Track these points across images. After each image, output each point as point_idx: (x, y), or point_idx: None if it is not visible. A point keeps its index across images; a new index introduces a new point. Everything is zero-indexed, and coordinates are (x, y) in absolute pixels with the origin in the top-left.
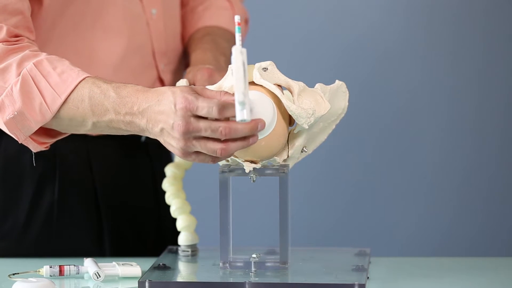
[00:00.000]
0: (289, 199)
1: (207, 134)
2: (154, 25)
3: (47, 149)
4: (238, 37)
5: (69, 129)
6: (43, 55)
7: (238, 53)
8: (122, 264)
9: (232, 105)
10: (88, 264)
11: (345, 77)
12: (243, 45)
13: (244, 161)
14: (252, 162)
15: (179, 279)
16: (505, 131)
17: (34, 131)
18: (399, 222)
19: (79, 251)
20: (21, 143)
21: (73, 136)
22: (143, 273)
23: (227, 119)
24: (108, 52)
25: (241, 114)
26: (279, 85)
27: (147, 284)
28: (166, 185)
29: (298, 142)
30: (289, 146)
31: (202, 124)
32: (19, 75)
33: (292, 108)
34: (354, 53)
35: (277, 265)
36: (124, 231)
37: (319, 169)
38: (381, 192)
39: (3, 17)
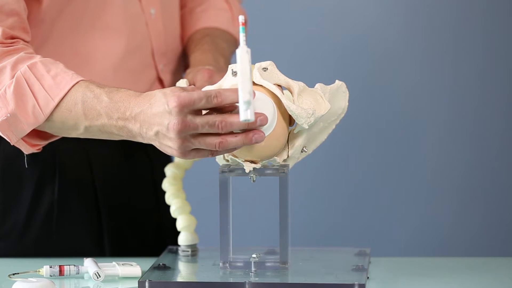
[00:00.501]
0: (289, 199)
1: (205, 129)
2: (153, 25)
3: (39, 151)
4: (242, 37)
5: (61, 132)
6: (37, 58)
7: (244, 53)
8: (122, 264)
9: (229, 90)
10: (88, 264)
11: (345, 77)
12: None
13: (244, 161)
14: (252, 162)
15: (179, 279)
16: (505, 131)
17: (26, 133)
18: (399, 222)
19: (79, 251)
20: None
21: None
22: (143, 273)
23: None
24: (107, 52)
25: (245, 114)
26: (279, 85)
27: (147, 284)
28: (166, 185)
29: (298, 142)
30: (289, 146)
31: (199, 120)
32: (13, 77)
33: (292, 108)
34: (354, 53)
35: (277, 265)
36: (124, 231)
37: (319, 169)
38: (381, 192)
39: None
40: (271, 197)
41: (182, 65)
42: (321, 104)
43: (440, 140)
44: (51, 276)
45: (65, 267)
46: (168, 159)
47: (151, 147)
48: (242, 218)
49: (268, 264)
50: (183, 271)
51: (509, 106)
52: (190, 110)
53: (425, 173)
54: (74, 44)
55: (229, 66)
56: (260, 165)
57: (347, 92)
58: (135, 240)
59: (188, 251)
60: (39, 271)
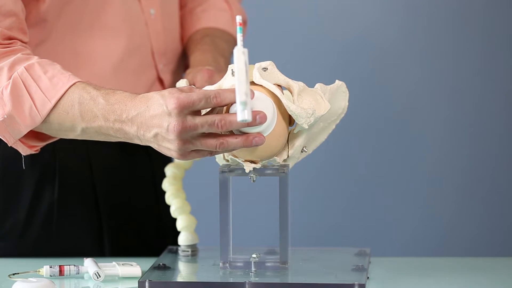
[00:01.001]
0: (289, 199)
1: (204, 129)
2: (152, 25)
3: (37, 152)
4: (239, 37)
5: (58, 134)
6: (34, 59)
7: (240, 53)
8: (122, 264)
9: (228, 91)
10: (88, 264)
11: (345, 77)
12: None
13: (244, 161)
14: (252, 162)
15: (179, 279)
16: (504, 131)
17: (23, 134)
18: (399, 222)
19: (79, 251)
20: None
21: None
22: (143, 273)
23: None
24: (107, 52)
25: (242, 114)
26: (279, 85)
27: (147, 284)
28: (166, 185)
29: (298, 142)
30: (289, 146)
31: (198, 120)
32: (10, 78)
33: (292, 108)
34: (354, 53)
35: (277, 265)
36: (124, 231)
37: (319, 169)
38: (381, 192)
39: None
40: (271, 197)
41: (182, 65)
42: (321, 104)
43: (440, 140)
44: (51, 276)
45: (65, 267)
46: (168, 159)
47: (151, 147)
48: (242, 218)
49: (268, 264)
50: (183, 271)
51: (508, 106)
52: (190, 111)
53: (425, 173)
54: (74, 44)
55: (229, 66)
56: (260, 165)
57: (347, 92)
58: (135, 240)
59: (188, 251)
60: (39, 271)
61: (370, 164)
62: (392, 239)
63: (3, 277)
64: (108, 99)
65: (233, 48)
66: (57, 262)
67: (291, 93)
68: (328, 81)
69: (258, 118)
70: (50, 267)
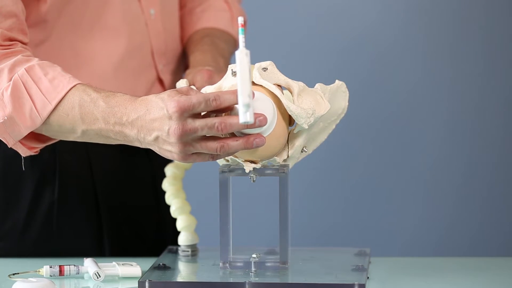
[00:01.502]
0: (289, 199)
1: (204, 132)
2: (152, 25)
3: (36, 153)
4: (241, 38)
5: (59, 136)
6: (35, 61)
7: (243, 55)
8: (122, 264)
9: (227, 93)
10: (88, 264)
11: (345, 77)
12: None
13: (244, 161)
14: (252, 162)
15: (179, 279)
16: (504, 131)
17: (23, 136)
18: (399, 222)
19: (79, 251)
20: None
21: None
22: (143, 273)
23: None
24: (107, 52)
25: (244, 116)
26: (279, 85)
27: (147, 284)
28: (166, 185)
29: (298, 142)
30: (289, 146)
31: (198, 123)
32: (10, 80)
33: (292, 108)
34: (354, 53)
35: (277, 265)
36: (124, 231)
37: (319, 169)
38: (381, 192)
39: None
40: (271, 197)
41: (182, 65)
42: (321, 104)
43: (440, 140)
44: (51, 276)
45: (65, 267)
46: (168, 159)
47: None
48: (242, 218)
49: (268, 264)
50: (183, 271)
51: (508, 106)
52: (190, 114)
53: (424, 173)
54: (74, 44)
55: (229, 66)
56: (260, 165)
57: (347, 92)
58: (135, 240)
59: (188, 251)
60: (39, 271)
61: (370, 164)
62: (392, 239)
63: (3, 277)
64: (109, 101)
65: (232, 48)
66: (57, 262)
67: (291, 93)
68: (328, 81)
69: (257, 121)
70: (50, 267)
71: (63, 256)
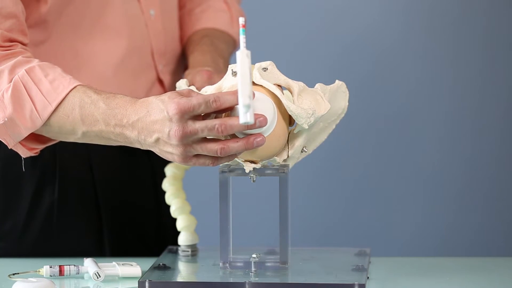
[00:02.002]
0: (289, 199)
1: (204, 134)
2: (152, 26)
3: (37, 154)
4: (242, 39)
5: (59, 137)
6: (35, 62)
7: (244, 56)
8: (122, 264)
9: (227, 94)
10: (88, 264)
11: (345, 77)
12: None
13: (244, 161)
14: (252, 162)
15: (179, 279)
16: (504, 132)
17: (24, 137)
18: (399, 222)
19: (79, 251)
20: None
21: None
22: (143, 273)
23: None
24: (107, 53)
25: (244, 117)
26: (279, 85)
27: (147, 284)
28: (166, 185)
29: (298, 142)
30: (289, 146)
31: (198, 125)
32: (10, 81)
33: (292, 108)
34: (354, 53)
35: (277, 265)
36: (124, 231)
37: (319, 169)
38: (381, 192)
39: None
40: (271, 197)
41: (181, 65)
42: (321, 104)
43: (440, 140)
44: (51, 276)
45: (65, 267)
46: None
47: None
48: (242, 218)
49: (268, 264)
50: (183, 271)
51: (509, 106)
52: (190, 116)
53: (425, 173)
54: (75, 45)
55: (229, 66)
56: (260, 165)
57: (347, 92)
58: (135, 240)
59: (188, 251)
60: (39, 271)
61: (370, 164)
62: (392, 239)
63: (3, 277)
64: (109, 103)
65: (232, 48)
66: (57, 262)
67: (291, 93)
68: (328, 81)
69: (258, 122)
70: (50, 267)
71: (63, 256)
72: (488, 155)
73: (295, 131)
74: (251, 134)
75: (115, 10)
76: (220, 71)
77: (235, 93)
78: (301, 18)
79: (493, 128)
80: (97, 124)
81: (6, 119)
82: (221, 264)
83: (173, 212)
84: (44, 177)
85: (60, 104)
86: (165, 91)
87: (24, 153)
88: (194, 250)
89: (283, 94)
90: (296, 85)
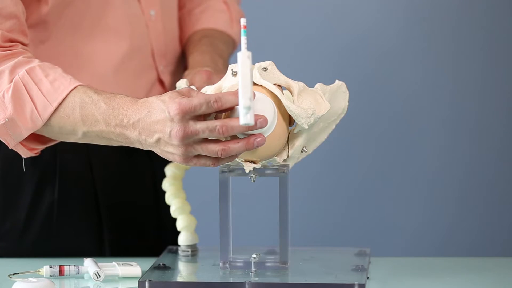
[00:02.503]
0: (289, 199)
1: (205, 135)
2: (153, 26)
3: (37, 155)
4: (243, 40)
5: (59, 137)
6: (35, 62)
7: (245, 58)
8: (122, 264)
9: (228, 94)
10: (88, 264)
11: (345, 77)
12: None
13: (244, 161)
14: (252, 162)
15: (179, 279)
16: (505, 132)
17: (24, 137)
18: (399, 222)
19: (79, 251)
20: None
21: None
22: (143, 273)
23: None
24: (108, 53)
25: (245, 118)
26: (279, 85)
27: (147, 284)
28: (166, 185)
29: (298, 142)
30: (289, 146)
31: (199, 125)
32: (11, 81)
33: (292, 108)
34: (354, 53)
35: (277, 265)
36: (124, 231)
37: (319, 169)
38: (381, 192)
39: None
40: (271, 197)
41: (181, 66)
42: (321, 104)
43: (440, 140)
44: (51, 276)
45: (65, 267)
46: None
47: None
48: (242, 218)
49: (268, 264)
50: (183, 271)
51: (509, 106)
52: (191, 116)
53: (425, 173)
54: (75, 45)
55: (229, 66)
56: (260, 165)
57: (347, 92)
58: (135, 240)
59: (188, 251)
60: (39, 271)
61: (370, 164)
62: (392, 239)
63: (3, 277)
64: (110, 103)
65: (231, 49)
66: (57, 262)
67: (291, 93)
68: (328, 81)
69: (258, 123)
70: (50, 267)
71: (63, 256)
72: (489, 156)
73: (295, 131)
74: (251, 135)
75: (116, 10)
76: (219, 71)
77: (236, 93)
78: (302, 18)
79: (494, 129)
80: (97, 124)
81: (6, 119)
82: (221, 264)
83: (173, 212)
84: (44, 177)
85: (60, 104)
86: (165, 92)
87: (24, 153)
88: (194, 250)
89: (283, 94)
90: (296, 85)
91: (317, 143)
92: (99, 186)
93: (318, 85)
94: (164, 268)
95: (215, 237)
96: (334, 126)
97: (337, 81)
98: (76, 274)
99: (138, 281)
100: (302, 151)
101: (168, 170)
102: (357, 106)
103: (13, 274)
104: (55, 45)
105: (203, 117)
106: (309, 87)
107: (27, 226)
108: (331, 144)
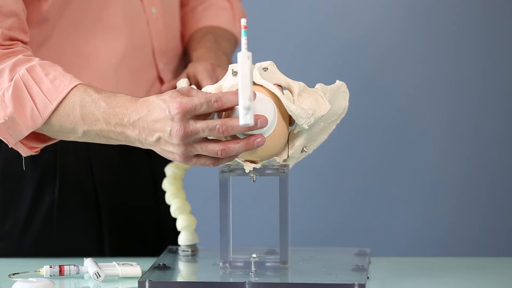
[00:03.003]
0: (289, 199)
1: (205, 134)
2: (154, 24)
3: (37, 153)
4: (244, 40)
5: (59, 136)
6: (36, 61)
7: (245, 58)
8: (122, 264)
9: (229, 94)
10: (88, 264)
11: (346, 77)
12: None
13: (244, 161)
14: (252, 162)
15: (179, 279)
16: (505, 132)
17: (24, 136)
18: (399, 222)
19: (79, 251)
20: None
21: None
22: (143, 273)
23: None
24: (108, 51)
25: (244, 119)
26: (279, 85)
27: (147, 284)
28: (166, 185)
29: (298, 142)
30: (289, 146)
31: (199, 125)
32: (11, 80)
33: (292, 108)
34: (355, 53)
35: (277, 265)
36: (124, 231)
37: (319, 169)
38: (381, 192)
39: None
40: (271, 197)
41: (182, 64)
42: (321, 104)
43: (441, 140)
44: (51, 276)
45: (65, 267)
46: (168, 159)
47: None
48: (242, 218)
49: (268, 264)
50: (183, 271)
51: (509, 107)
52: (192, 115)
53: (425, 173)
54: (76, 43)
55: (230, 66)
56: (260, 165)
57: (348, 92)
58: (135, 240)
59: (188, 251)
60: (39, 271)
61: (370, 164)
62: (392, 239)
63: (3, 277)
64: (110, 102)
65: (234, 47)
66: (57, 262)
67: (291, 93)
68: (329, 81)
69: (259, 122)
70: (50, 267)
71: (63, 256)
72: (489, 156)
73: (295, 131)
74: (251, 135)
75: (117, 8)
76: (223, 67)
77: (236, 93)
78: (302, 18)
79: (494, 128)
80: (97, 123)
81: (7, 118)
82: (221, 264)
83: (173, 212)
84: (44, 177)
85: (61, 103)
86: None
87: (24, 152)
88: (194, 250)
89: (283, 94)
90: (297, 85)
91: (317, 143)
92: (99, 186)
93: (318, 85)
94: (164, 268)
95: (215, 237)
96: (334, 126)
97: (337, 81)
98: (76, 274)
99: (138, 281)
100: (302, 151)
101: (168, 170)
102: (358, 106)
103: (13, 274)
104: (57, 44)
105: (203, 116)
106: (309, 87)
107: (27, 226)
108: (332, 144)
